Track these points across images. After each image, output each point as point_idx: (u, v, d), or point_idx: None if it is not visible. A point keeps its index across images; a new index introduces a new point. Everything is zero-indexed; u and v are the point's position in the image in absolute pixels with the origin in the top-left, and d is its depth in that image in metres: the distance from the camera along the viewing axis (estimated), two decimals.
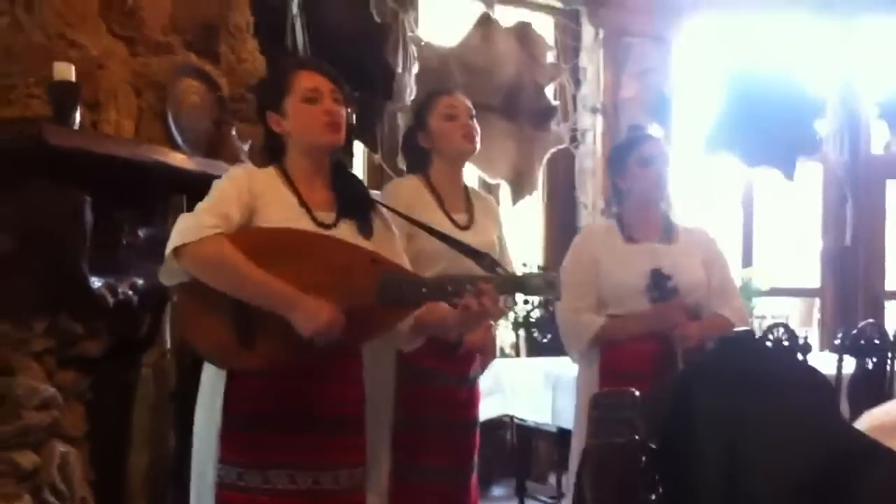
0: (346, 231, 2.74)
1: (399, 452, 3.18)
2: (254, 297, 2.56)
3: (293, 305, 2.54)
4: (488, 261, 2.84)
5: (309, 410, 2.65)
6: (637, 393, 1.60)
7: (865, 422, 2.28)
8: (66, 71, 3.20)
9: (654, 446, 1.55)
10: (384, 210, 2.94)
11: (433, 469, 3.27)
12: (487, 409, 4.87)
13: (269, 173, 2.77)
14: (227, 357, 2.64)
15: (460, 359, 3.33)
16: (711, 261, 3.57)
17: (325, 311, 2.53)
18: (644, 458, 1.50)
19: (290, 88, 2.76)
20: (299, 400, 2.64)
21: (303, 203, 2.72)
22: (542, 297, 2.69)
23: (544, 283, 2.78)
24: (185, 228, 2.57)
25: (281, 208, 2.69)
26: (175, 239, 2.56)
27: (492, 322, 3.44)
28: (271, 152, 2.84)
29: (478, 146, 3.44)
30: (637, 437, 1.51)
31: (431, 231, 2.98)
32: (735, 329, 3.51)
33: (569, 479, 3.80)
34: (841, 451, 1.60)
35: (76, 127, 3.22)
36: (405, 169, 3.69)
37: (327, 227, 2.73)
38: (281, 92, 2.77)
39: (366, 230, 2.78)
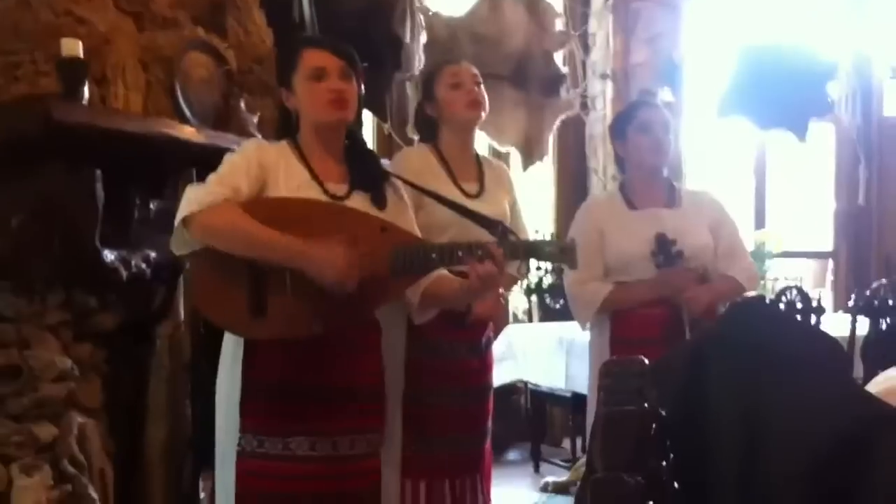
0: (358, 202, 2.75)
1: (411, 425, 3.16)
2: (266, 253, 2.57)
3: (308, 256, 2.54)
4: (500, 228, 2.82)
5: (326, 379, 2.66)
6: (647, 361, 1.60)
7: (880, 383, 2.29)
8: (74, 47, 3.20)
9: (664, 413, 1.56)
10: (399, 184, 2.93)
11: (446, 439, 3.29)
12: (501, 375, 4.91)
13: (282, 147, 2.78)
14: (240, 326, 2.66)
15: (470, 328, 3.35)
16: (718, 224, 3.56)
17: (341, 257, 2.54)
18: (654, 426, 1.50)
19: (297, 65, 2.77)
20: (316, 369, 2.66)
21: (314, 176, 2.74)
22: (556, 264, 2.63)
23: (558, 250, 2.76)
24: (194, 197, 2.59)
25: (292, 180, 2.70)
26: (184, 208, 2.58)
27: (502, 290, 3.43)
28: (285, 127, 2.86)
29: (484, 114, 3.43)
30: (647, 405, 1.51)
31: (440, 199, 2.98)
32: (745, 291, 3.51)
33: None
34: (857, 417, 1.59)
35: (84, 103, 3.24)
36: (418, 139, 3.70)
37: (339, 199, 2.74)
38: (290, 69, 2.79)
39: (379, 201, 2.79)
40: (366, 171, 2.82)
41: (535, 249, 2.84)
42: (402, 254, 2.63)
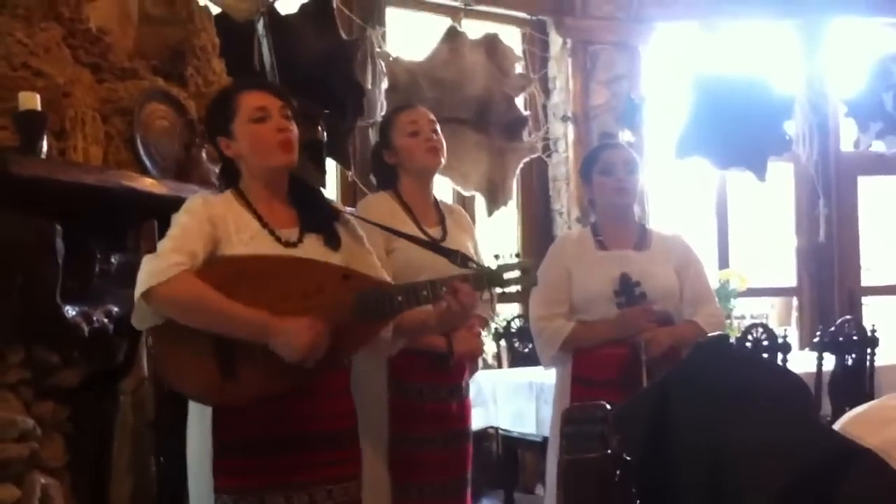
0: (312, 246, 2.73)
1: (396, 471, 3.16)
2: (230, 330, 2.54)
3: (273, 332, 2.51)
4: (460, 257, 2.85)
5: (299, 429, 2.64)
6: (608, 406, 1.59)
7: (847, 421, 2.28)
8: (31, 100, 3.18)
9: (629, 459, 1.54)
10: (355, 222, 2.92)
11: (430, 486, 3.25)
12: (472, 422, 4.86)
13: (227, 198, 2.75)
14: (215, 395, 2.61)
15: (453, 370, 3.31)
16: (685, 267, 3.57)
17: (305, 331, 2.51)
18: (618, 472, 1.49)
19: (236, 110, 2.72)
20: (289, 420, 2.63)
21: (264, 224, 2.71)
22: (520, 288, 2.67)
23: (519, 270, 2.78)
24: (151, 271, 2.54)
25: (244, 232, 2.67)
26: (143, 282, 2.53)
27: (479, 329, 3.43)
28: (227, 177, 2.83)
29: (443, 159, 3.43)
30: (610, 452, 1.49)
31: (413, 239, 3.00)
32: (708, 335, 3.50)
33: (547, 488, 3.77)
34: (820, 455, 1.60)
35: (43, 156, 3.19)
36: (376, 186, 3.68)
37: (292, 244, 2.71)
38: (228, 115, 2.74)
39: (333, 243, 2.77)
40: (315, 213, 2.80)
41: (495, 275, 2.80)
42: (367, 300, 2.63)
